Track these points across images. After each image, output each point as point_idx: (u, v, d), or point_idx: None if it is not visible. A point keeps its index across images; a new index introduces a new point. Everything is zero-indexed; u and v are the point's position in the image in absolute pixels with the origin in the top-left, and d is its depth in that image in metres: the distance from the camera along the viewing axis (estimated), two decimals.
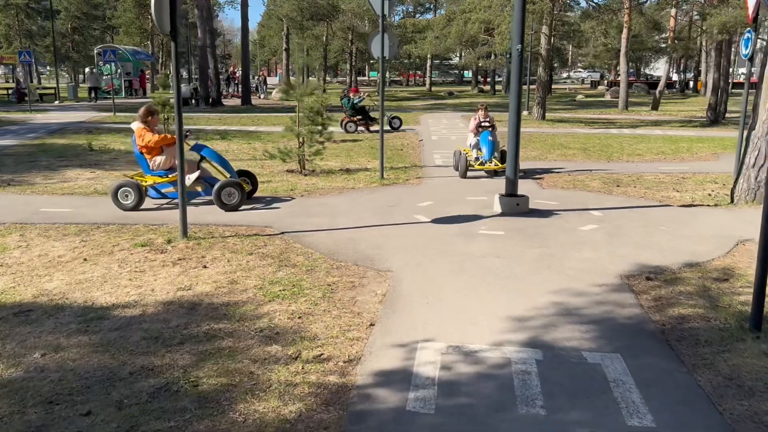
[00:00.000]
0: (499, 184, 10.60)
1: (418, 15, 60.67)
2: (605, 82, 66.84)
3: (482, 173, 11.66)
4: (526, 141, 17.44)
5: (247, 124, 21.84)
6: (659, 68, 77.85)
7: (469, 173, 11.36)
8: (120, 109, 24.92)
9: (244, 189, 8.52)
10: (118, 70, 37.15)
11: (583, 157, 14.50)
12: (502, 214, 8.19)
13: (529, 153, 15.02)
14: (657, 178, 11.47)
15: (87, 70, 43.59)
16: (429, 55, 53.39)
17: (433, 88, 53.20)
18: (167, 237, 6.94)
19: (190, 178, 8.40)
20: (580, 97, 44.28)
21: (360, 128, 19.50)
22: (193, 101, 32.44)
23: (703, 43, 36.69)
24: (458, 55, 66.70)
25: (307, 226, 7.56)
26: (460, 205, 8.84)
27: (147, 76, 45.46)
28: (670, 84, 56.89)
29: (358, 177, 11.24)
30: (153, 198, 8.77)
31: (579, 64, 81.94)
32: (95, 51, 28.73)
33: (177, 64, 6.51)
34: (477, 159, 11.55)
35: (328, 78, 67.69)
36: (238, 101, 34.03)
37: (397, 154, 14.66)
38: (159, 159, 8.56)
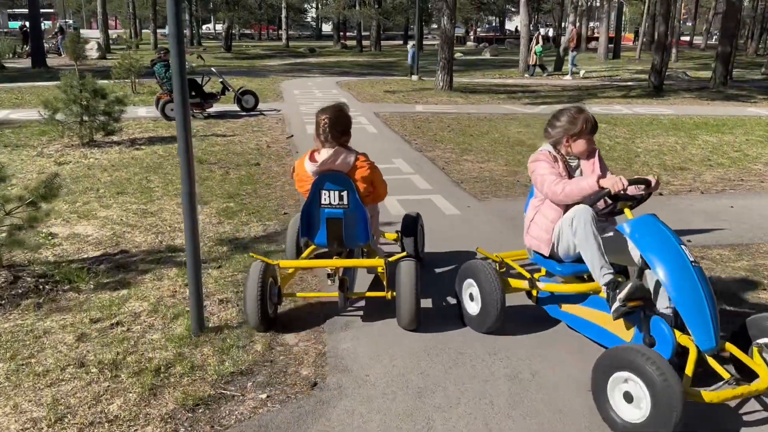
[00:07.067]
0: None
1: None
2: (471, 37, 61.91)
3: None
4: (452, 131, 10.74)
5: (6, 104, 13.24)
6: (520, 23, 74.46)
7: None
8: None
9: None
10: None
11: None
12: None
13: (486, 165, 8.28)
14: None
15: None
16: (284, 4, 45.11)
17: (291, 44, 45.05)
18: None
19: None
20: (458, 55, 38.30)
21: (193, 111, 11.77)
22: None
23: None
24: (315, 5, 58.62)
25: None
26: None
27: None
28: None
29: (137, 317, 3.82)
30: None
31: (433, 18, 75.89)
32: None
33: None
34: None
35: (163, 30, 56.55)
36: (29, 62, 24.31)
37: (249, 180, 7.30)
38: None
